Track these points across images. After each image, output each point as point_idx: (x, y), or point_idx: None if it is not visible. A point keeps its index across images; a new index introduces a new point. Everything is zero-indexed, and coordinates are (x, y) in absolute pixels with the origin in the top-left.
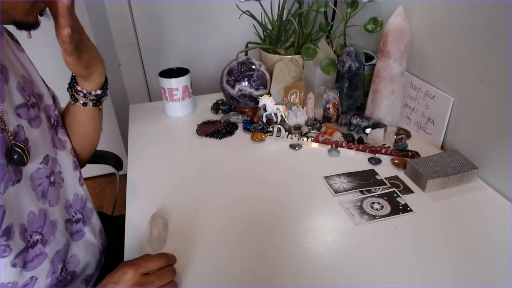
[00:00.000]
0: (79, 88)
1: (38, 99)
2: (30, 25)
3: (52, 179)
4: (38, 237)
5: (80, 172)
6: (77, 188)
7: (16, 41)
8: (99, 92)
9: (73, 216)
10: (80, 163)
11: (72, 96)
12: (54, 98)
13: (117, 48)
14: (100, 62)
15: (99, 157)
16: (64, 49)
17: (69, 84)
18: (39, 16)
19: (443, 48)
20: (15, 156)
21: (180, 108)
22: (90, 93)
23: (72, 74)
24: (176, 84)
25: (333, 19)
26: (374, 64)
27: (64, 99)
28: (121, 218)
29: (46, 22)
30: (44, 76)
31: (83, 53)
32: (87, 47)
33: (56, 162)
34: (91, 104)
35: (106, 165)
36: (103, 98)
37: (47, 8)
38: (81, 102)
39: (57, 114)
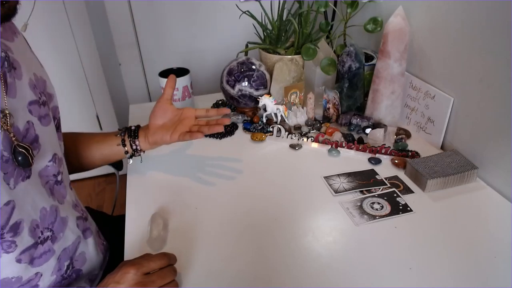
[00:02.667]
0: (137, 144)
1: (48, 99)
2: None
3: (59, 178)
4: (49, 233)
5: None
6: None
7: (27, 43)
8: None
9: (82, 214)
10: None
11: (123, 141)
12: None
13: (117, 48)
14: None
15: None
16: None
17: (130, 132)
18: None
19: (443, 48)
20: (19, 158)
21: None
22: (140, 150)
23: (135, 126)
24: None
25: (333, 19)
26: (374, 64)
27: (63, 101)
28: (121, 218)
29: (38, 26)
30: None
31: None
32: None
33: (62, 162)
34: (129, 155)
35: (106, 165)
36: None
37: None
38: (127, 151)
39: (59, 117)
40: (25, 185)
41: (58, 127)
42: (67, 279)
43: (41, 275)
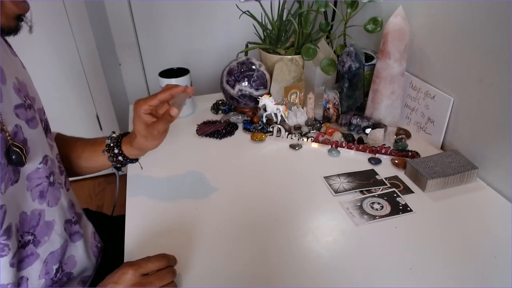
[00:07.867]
0: (122, 151)
1: (32, 102)
2: (7, 30)
3: (51, 179)
4: (30, 237)
5: (65, 176)
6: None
7: (9, 46)
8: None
9: (73, 217)
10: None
11: (110, 152)
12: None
13: (117, 48)
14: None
15: None
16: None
17: (114, 140)
18: (20, 23)
19: (443, 48)
20: (14, 156)
21: None
22: (128, 159)
23: (119, 135)
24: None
25: (333, 19)
26: (374, 64)
27: (54, 104)
28: (121, 218)
29: (38, 26)
30: (37, 79)
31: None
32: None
33: (55, 163)
34: (117, 165)
35: None
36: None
37: (26, 14)
38: (114, 162)
39: (46, 118)
40: (13, 189)
41: (47, 129)
42: (57, 283)
43: (27, 279)
